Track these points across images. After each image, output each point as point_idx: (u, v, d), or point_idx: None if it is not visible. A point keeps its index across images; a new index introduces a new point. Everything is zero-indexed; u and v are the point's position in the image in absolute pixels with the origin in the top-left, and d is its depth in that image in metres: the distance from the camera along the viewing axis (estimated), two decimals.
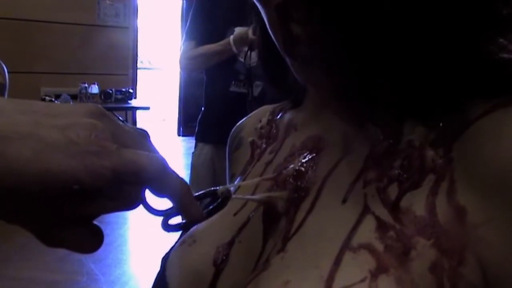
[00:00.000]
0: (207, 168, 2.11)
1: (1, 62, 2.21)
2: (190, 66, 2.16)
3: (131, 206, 0.35)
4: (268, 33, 0.45)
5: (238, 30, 1.99)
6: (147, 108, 5.18)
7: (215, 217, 0.49)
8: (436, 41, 0.37)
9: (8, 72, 2.21)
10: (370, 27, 0.37)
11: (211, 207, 0.41)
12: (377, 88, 0.40)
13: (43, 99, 4.43)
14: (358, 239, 0.37)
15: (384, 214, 0.37)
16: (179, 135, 7.44)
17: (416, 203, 0.36)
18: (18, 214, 0.33)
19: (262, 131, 0.58)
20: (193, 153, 2.22)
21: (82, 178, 0.30)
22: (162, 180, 0.34)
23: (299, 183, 0.45)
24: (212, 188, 0.43)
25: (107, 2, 5.39)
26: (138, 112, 5.26)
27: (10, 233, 3.22)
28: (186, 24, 2.19)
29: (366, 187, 0.40)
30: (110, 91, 4.92)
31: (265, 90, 1.96)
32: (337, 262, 0.36)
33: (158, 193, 0.35)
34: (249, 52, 1.94)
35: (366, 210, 0.38)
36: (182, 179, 0.36)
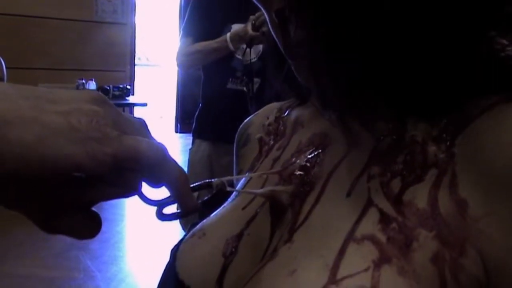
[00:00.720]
0: (204, 164, 2.11)
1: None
2: (186, 63, 2.16)
3: (131, 192, 0.36)
4: None
5: (235, 27, 1.99)
6: (144, 105, 5.17)
7: (224, 211, 0.52)
8: (437, 41, 0.38)
9: (6, 67, 2.20)
10: (371, 28, 0.38)
11: (205, 198, 0.42)
12: (379, 88, 0.41)
13: None
14: (361, 231, 0.38)
15: (387, 207, 0.38)
16: (176, 131, 7.44)
17: (419, 196, 0.37)
18: (19, 200, 0.33)
19: (270, 128, 0.60)
20: (190, 149, 2.22)
21: (83, 163, 0.31)
22: (162, 167, 0.35)
23: (304, 178, 0.46)
24: (207, 180, 0.43)
25: None
26: (136, 109, 5.25)
27: (7, 230, 3.21)
28: (184, 21, 2.18)
29: (370, 181, 0.41)
30: (108, 88, 4.91)
31: (263, 86, 1.95)
32: (342, 252, 0.37)
33: (157, 180, 0.36)
34: (247, 49, 1.94)
35: (369, 203, 0.39)
36: (180, 167, 0.36)
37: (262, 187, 0.51)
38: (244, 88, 1.97)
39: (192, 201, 0.38)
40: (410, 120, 0.41)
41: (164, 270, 0.52)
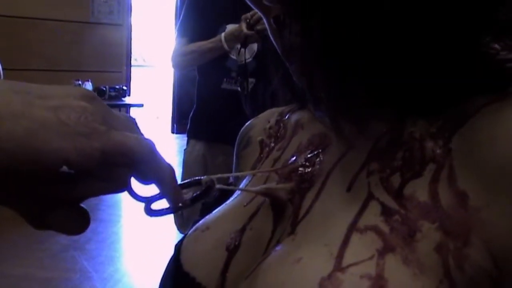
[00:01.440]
0: (199, 164, 2.11)
1: None
2: (181, 63, 2.15)
3: (120, 188, 0.36)
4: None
5: (230, 27, 1.99)
6: (141, 106, 5.16)
7: (226, 208, 0.53)
8: (434, 44, 0.39)
9: (2, 68, 2.20)
10: (368, 33, 0.39)
11: (194, 194, 0.43)
12: (374, 89, 0.42)
13: None
14: (364, 222, 0.39)
15: (388, 200, 0.39)
16: (172, 132, 7.43)
17: (419, 190, 0.38)
18: (8, 195, 0.33)
19: (271, 131, 0.61)
20: (185, 150, 2.22)
21: (71, 158, 0.31)
22: (150, 163, 0.36)
23: (304, 176, 0.47)
24: (197, 178, 0.44)
25: None
26: (132, 109, 5.24)
27: (2, 231, 3.21)
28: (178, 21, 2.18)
29: (370, 176, 0.42)
30: (104, 88, 4.91)
31: (258, 86, 1.95)
32: (345, 241, 0.38)
33: (145, 176, 0.36)
34: (242, 49, 1.94)
35: (370, 196, 0.40)
36: (168, 163, 0.37)
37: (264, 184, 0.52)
38: (239, 88, 1.97)
39: (180, 197, 0.39)
40: (409, 119, 0.42)
41: (168, 264, 0.53)
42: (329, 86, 0.42)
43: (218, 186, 0.44)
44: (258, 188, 0.49)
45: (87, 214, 0.37)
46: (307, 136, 0.53)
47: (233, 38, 1.93)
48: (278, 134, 0.59)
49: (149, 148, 0.35)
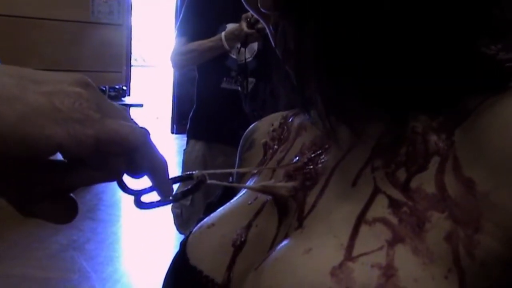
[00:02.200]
0: (199, 165, 2.10)
1: None
2: (181, 62, 2.15)
3: (113, 177, 0.36)
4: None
5: (230, 26, 1.99)
6: (140, 106, 5.16)
7: (231, 206, 0.54)
8: (432, 44, 0.40)
9: None
10: (369, 30, 0.39)
11: (186, 188, 0.43)
12: (375, 90, 0.42)
13: None
14: (372, 214, 0.39)
15: (395, 193, 0.39)
16: (172, 132, 7.43)
17: (425, 183, 0.39)
18: None
19: (274, 134, 0.61)
20: (184, 150, 2.22)
21: (64, 144, 0.31)
22: (144, 152, 0.35)
23: (307, 175, 0.48)
24: (189, 172, 0.44)
25: None
26: (132, 110, 5.24)
27: (2, 231, 3.21)
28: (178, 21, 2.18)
29: (375, 172, 0.42)
30: (104, 88, 4.90)
31: (258, 86, 1.95)
32: (355, 232, 0.39)
33: (137, 166, 0.36)
34: (242, 48, 1.93)
35: (376, 190, 0.41)
36: (162, 155, 0.37)
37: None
38: (239, 88, 1.97)
39: (171, 189, 0.39)
40: (411, 115, 0.42)
41: (173, 259, 0.54)
42: (324, 91, 0.43)
43: (209, 181, 0.44)
44: (255, 185, 0.49)
45: (75, 204, 0.37)
46: (310, 137, 0.53)
47: (233, 37, 1.93)
48: (282, 137, 0.60)
49: (144, 137, 0.35)
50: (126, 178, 0.38)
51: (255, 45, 1.99)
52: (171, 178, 0.41)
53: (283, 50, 0.46)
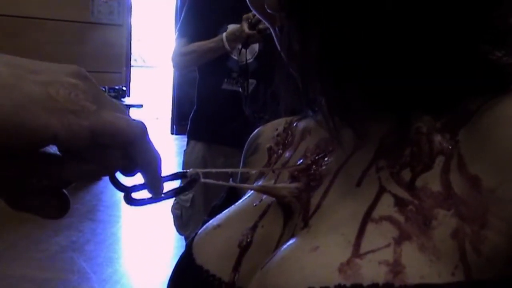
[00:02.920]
0: (199, 166, 2.09)
1: None
2: (181, 63, 2.15)
3: (109, 171, 0.36)
4: None
5: (231, 27, 1.98)
6: (140, 106, 5.16)
7: (236, 208, 0.54)
8: (434, 47, 0.40)
9: None
10: (373, 31, 0.40)
11: (179, 186, 0.43)
12: (378, 92, 0.43)
13: None
14: (378, 213, 0.39)
15: (401, 192, 0.40)
16: (172, 133, 7.43)
17: (431, 182, 0.39)
18: None
19: (279, 138, 0.62)
20: (184, 151, 2.21)
21: (59, 134, 0.30)
22: (139, 146, 0.35)
23: (311, 176, 0.48)
24: (183, 170, 0.44)
25: None
26: (131, 110, 5.24)
27: (1, 231, 3.20)
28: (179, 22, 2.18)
29: (379, 172, 0.42)
30: (104, 89, 4.90)
31: (258, 87, 1.95)
32: (361, 231, 0.39)
33: (132, 161, 0.35)
34: (243, 50, 1.93)
35: (382, 189, 0.41)
36: (157, 151, 0.37)
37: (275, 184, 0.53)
38: (240, 89, 1.96)
39: (161, 187, 0.39)
40: (414, 116, 0.42)
41: (179, 260, 0.54)
42: (328, 92, 0.43)
43: (203, 180, 0.44)
44: (254, 185, 0.49)
45: (68, 200, 0.36)
46: (315, 141, 0.54)
47: (234, 38, 1.93)
48: (286, 141, 0.60)
49: (141, 131, 0.34)
50: (119, 176, 0.37)
51: (256, 46, 1.98)
52: (165, 176, 0.40)
53: (288, 51, 0.46)
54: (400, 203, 0.39)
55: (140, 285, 2.96)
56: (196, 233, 0.55)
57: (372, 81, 0.42)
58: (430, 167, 0.40)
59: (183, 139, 2.33)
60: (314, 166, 0.49)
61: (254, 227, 0.50)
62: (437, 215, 0.37)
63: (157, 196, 0.39)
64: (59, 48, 5.08)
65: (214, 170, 0.46)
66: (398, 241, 0.37)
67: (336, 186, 0.45)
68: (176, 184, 0.44)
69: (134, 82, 6.43)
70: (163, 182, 0.39)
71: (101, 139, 0.32)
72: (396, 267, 0.36)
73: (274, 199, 0.50)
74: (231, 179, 0.68)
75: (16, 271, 2.92)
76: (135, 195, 0.40)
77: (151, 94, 9.33)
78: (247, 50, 1.92)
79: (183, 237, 2.27)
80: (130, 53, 6.02)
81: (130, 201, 0.40)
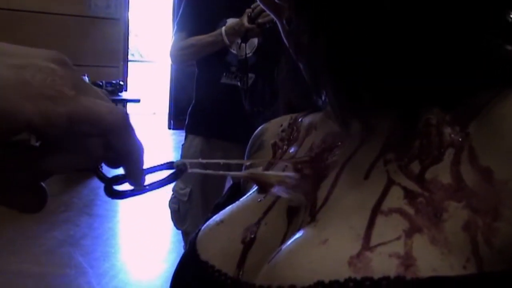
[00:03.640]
0: None
1: None
2: (180, 57, 2.14)
3: (90, 162, 0.34)
4: None
5: (230, 21, 1.98)
6: (137, 101, 5.16)
7: (240, 204, 0.54)
8: (441, 43, 0.40)
9: None
10: (379, 27, 0.40)
11: (165, 177, 0.40)
12: (386, 88, 0.42)
13: None
14: (387, 205, 0.39)
15: (411, 184, 0.39)
16: (169, 128, 7.42)
17: (441, 174, 0.38)
18: None
19: (283, 134, 0.61)
20: (182, 145, 2.21)
21: (34, 121, 0.29)
22: (120, 134, 0.33)
23: (316, 169, 0.48)
24: (170, 161, 0.42)
25: None
26: (129, 105, 5.23)
27: None
28: (178, 16, 2.17)
29: (387, 165, 0.41)
30: (101, 83, 4.89)
31: (257, 82, 1.95)
32: (371, 223, 0.38)
33: (114, 149, 0.34)
34: (242, 44, 1.93)
35: (391, 182, 0.40)
36: (140, 141, 0.35)
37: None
38: (239, 83, 1.96)
39: (142, 178, 0.37)
40: (423, 109, 0.42)
41: (183, 256, 0.54)
42: (336, 85, 0.43)
43: (190, 170, 0.42)
44: (242, 172, 0.48)
45: (45, 194, 0.35)
46: (320, 136, 0.53)
47: (233, 32, 1.92)
48: (291, 137, 0.59)
49: (121, 118, 0.32)
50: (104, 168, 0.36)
51: (255, 41, 1.98)
52: (150, 168, 0.39)
53: (296, 45, 0.46)
54: (409, 195, 0.38)
55: (137, 279, 2.96)
56: (199, 229, 0.55)
57: (380, 76, 0.41)
58: (440, 159, 0.39)
59: (180, 134, 2.32)
60: (319, 159, 0.48)
61: (258, 224, 0.50)
62: (448, 207, 0.37)
63: (139, 188, 0.37)
64: (56, 42, 5.05)
65: (204, 160, 0.45)
66: (409, 234, 0.36)
67: (343, 179, 0.44)
68: (163, 175, 0.43)
69: (131, 76, 6.41)
70: (147, 174, 0.38)
71: (80, 126, 0.31)
72: (407, 260, 0.35)
73: (279, 195, 0.49)
74: (230, 180, 0.67)
75: (13, 266, 2.91)
76: (120, 187, 0.38)
77: (149, 89, 9.32)
78: (247, 44, 1.92)
79: (180, 231, 2.27)
80: (128, 48, 6.00)
81: (111, 193, 0.38)
